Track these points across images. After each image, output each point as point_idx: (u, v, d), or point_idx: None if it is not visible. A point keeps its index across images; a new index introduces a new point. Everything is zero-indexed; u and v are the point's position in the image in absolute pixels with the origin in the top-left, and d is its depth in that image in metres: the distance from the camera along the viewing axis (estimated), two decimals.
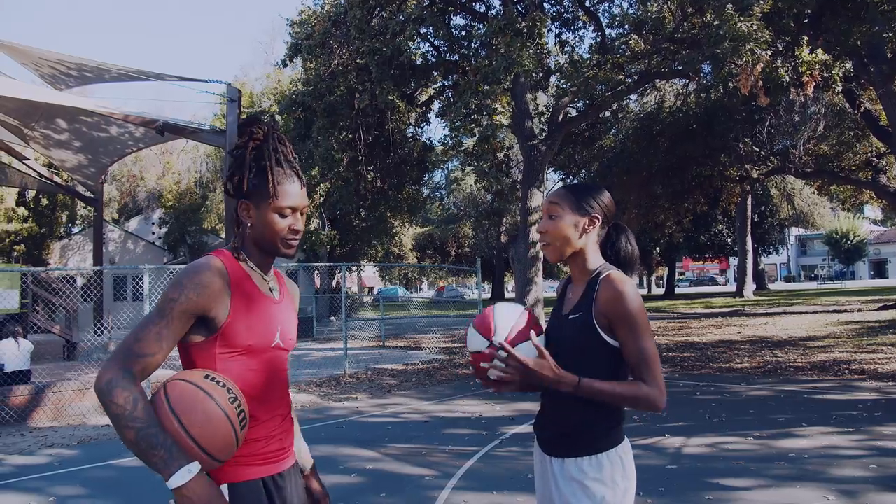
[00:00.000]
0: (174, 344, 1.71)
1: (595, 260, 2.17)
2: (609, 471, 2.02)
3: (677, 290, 52.92)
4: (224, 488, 1.72)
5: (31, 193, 29.58)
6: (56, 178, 19.67)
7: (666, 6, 16.23)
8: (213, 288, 1.72)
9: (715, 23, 12.66)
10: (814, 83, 13.15)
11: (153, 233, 37.28)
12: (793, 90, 13.79)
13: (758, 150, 24.20)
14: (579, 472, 2.02)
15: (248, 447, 1.76)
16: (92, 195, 19.24)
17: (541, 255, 16.63)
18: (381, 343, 19.45)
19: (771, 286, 55.47)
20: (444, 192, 49.99)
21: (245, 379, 1.77)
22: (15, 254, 29.52)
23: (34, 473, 6.34)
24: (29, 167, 18.38)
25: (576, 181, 31.52)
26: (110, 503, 5.37)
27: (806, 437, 6.52)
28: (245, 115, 25.34)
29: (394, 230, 34.11)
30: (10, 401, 8.94)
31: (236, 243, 1.87)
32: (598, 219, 2.16)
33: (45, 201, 30.91)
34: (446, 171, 43.31)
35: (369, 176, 20.91)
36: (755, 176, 26.27)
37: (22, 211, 30.34)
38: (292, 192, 1.84)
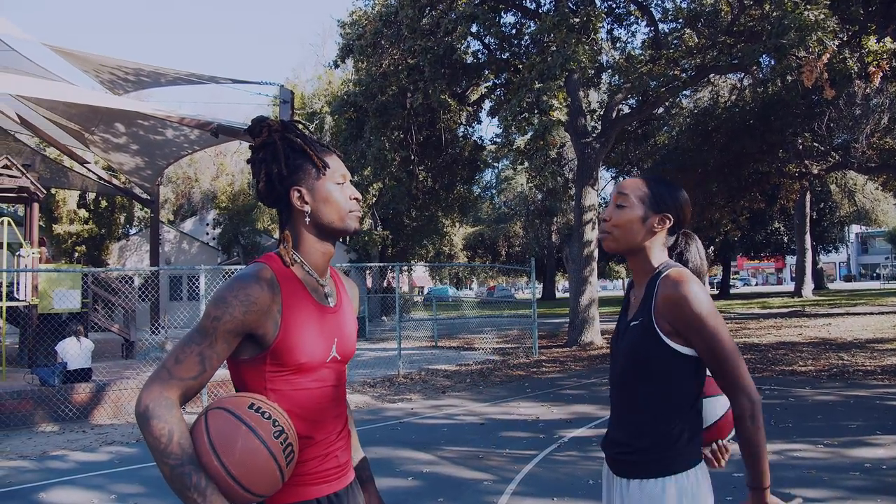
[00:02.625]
0: (220, 364, 1.60)
1: (659, 258, 1.97)
2: (675, 496, 1.84)
3: (732, 290, 51.73)
4: None
5: (91, 196, 30.26)
6: (114, 181, 20.09)
7: None
8: (260, 304, 1.58)
9: (775, 13, 12.30)
10: (881, 73, 12.70)
11: (207, 233, 37.90)
12: (857, 82, 13.34)
13: (817, 145, 23.54)
14: (643, 495, 1.86)
15: (302, 467, 1.65)
16: (148, 197, 19.61)
17: (595, 254, 16.40)
18: (434, 343, 19.41)
19: (830, 286, 53.93)
20: (494, 192, 49.80)
21: (297, 398, 1.64)
22: (76, 254, 30.28)
23: (96, 470, 6.44)
24: (89, 170, 18.82)
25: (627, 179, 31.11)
26: (169, 502, 5.39)
27: (882, 445, 6.22)
28: (297, 117, 25.57)
29: (444, 230, 34.08)
30: (73, 398, 9.12)
31: (287, 246, 1.71)
32: (669, 219, 1.96)
33: (104, 203, 31.61)
34: (497, 170, 43.14)
35: (421, 175, 20.92)
36: (815, 172, 25.58)
37: (83, 213, 31.07)
38: (337, 161, 1.77)
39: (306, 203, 1.71)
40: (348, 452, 1.80)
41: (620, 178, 31.17)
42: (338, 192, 1.73)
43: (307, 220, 1.72)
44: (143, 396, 1.52)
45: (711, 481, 1.93)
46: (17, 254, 13.56)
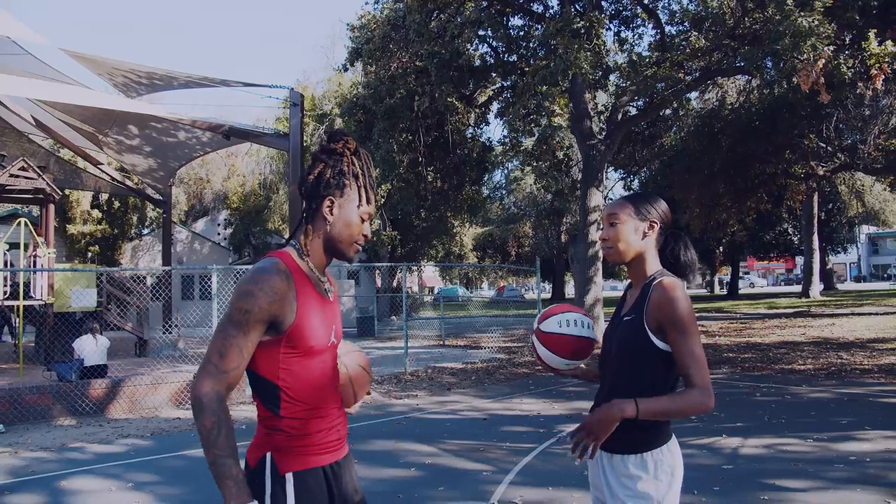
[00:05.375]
0: (254, 350, 1.85)
1: (653, 265, 2.30)
2: (653, 468, 2.15)
3: (740, 291, 51.65)
4: (289, 476, 1.87)
5: (104, 196, 30.61)
6: (127, 182, 20.40)
7: (725, 2, 16.00)
8: (281, 293, 1.82)
9: (776, 18, 12.46)
10: (883, 76, 12.83)
11: (219, 234, 38.28)
12: (860, 84, 13.45)
13: (824, 146, 23.60)
14: (625, 469, 2.18)
15: (311, 438, 1.91)
16: (161, 198, 19.93)
17: (600, 254, 16.60)
18: (441, 342, 19.63)
19: (840, 286, 53.78)
20: (503, 192, 49.93)
21: (306, 376, 1.89)
22: (90, 254, 30.65)
23: (113, 461, 6.71)
24: (102, 171, 19.13)
25: (635, 180, 31.29)
26: (184, 490, 5.66)
27: (868, 440, 6.44)
28: (307, 119, 25.84)
29: (454, 230, 34.27)
30: (90, 393, 9.42)
31: (302, 241, 1.98)
32: (656, 223, 2.30)
33: (117, 204, 31.96)
34: (506, 171, 43.29)
35: (429, 177, 21.14)
36: (821, 173, 25.63)
37: (96, 213, 31.44)
38: (372, 203, 2.05)
39: (331, 214, 1.97)
40: (346, 426, 2.08)
41: (624, 180, 31.29)
42: (358, 222, 2.00)
43: (328, 227, 1.97)
44: (196, 388, 1.79)
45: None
46: (34, 253, 13.87)
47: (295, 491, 1.86)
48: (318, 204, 1.97)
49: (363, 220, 2.01)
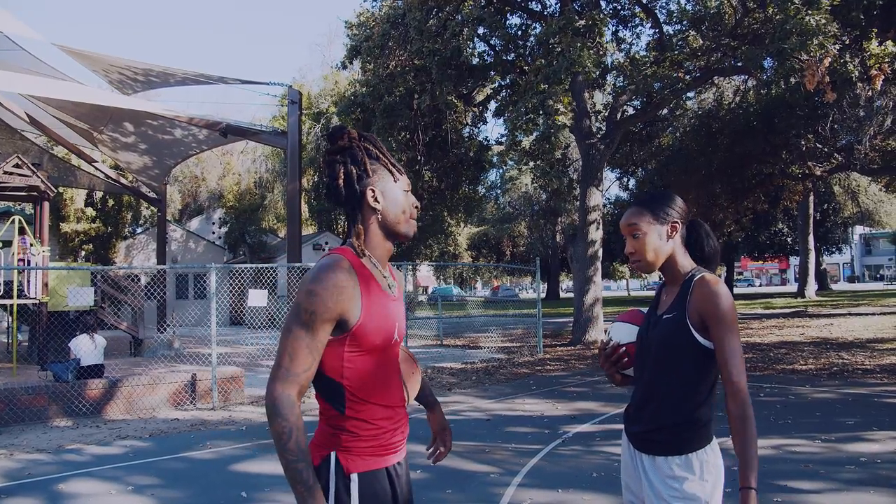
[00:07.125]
0: (322, 350, 1.81)
1: (685, 262, 2.26)
2: (698, 469, 2.12)
3: (735, 290, 51.74)
4: (354, 477, 1.83)
5: (98, 194, 30.47)
6: (122, 180, 20.28)
7: (726, 1, 15.96)
8: (347, 290, 1.79)
9: (778, 17, 12.42)
10: (883, 76, 12.82)
11: (213, 232, 38.10)
12: (859, 84, 13.44)
13: (820, 146, 23.63)
14: (670, 470, 2.13)
15: (378, 439, 1.87)
16: (156, 196, 19.83)
17: (599, 254, 16.55)
18: (440, 342, 19.56)
19: (833, 286, 53.95)
20: (499, 192, 49.91)
21: (369, 373, 1.85)
22: (83, 253, 30.47)
23: (111, 463, 6.59)
24: (97, 169, 19.02)
25: (632, 180, 31.26)
26: (186, 493, 5.55)
27: (877, 441, 6.38)
28: (304, 117, 25.72)
29: (449, 229, 34.20)
30: (87, 394, 9.29)
31: (356, 244, 1.91)
32: (678, 223, 2.25)
33: (111, 202, 31.83)
34: (502, 171, 43.22)
35: (427, 175, 21.06)
36: (818, 173, 25.67)
37: (90, 211, 31.28)
38: (404, 174, 2.01)
39: (378, 202, 1.92)
40: (407, 427, 2.02)
41: (621, 180, 31.27)
42: (404, 197, 1.97)
43: (379, 217, 1.93)
44: (269, 392, 1.77)
45: None
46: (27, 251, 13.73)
47: (360, 492, 1.83)
48: (361, 200, 1.93)
49: (406, 192, 1.99)
